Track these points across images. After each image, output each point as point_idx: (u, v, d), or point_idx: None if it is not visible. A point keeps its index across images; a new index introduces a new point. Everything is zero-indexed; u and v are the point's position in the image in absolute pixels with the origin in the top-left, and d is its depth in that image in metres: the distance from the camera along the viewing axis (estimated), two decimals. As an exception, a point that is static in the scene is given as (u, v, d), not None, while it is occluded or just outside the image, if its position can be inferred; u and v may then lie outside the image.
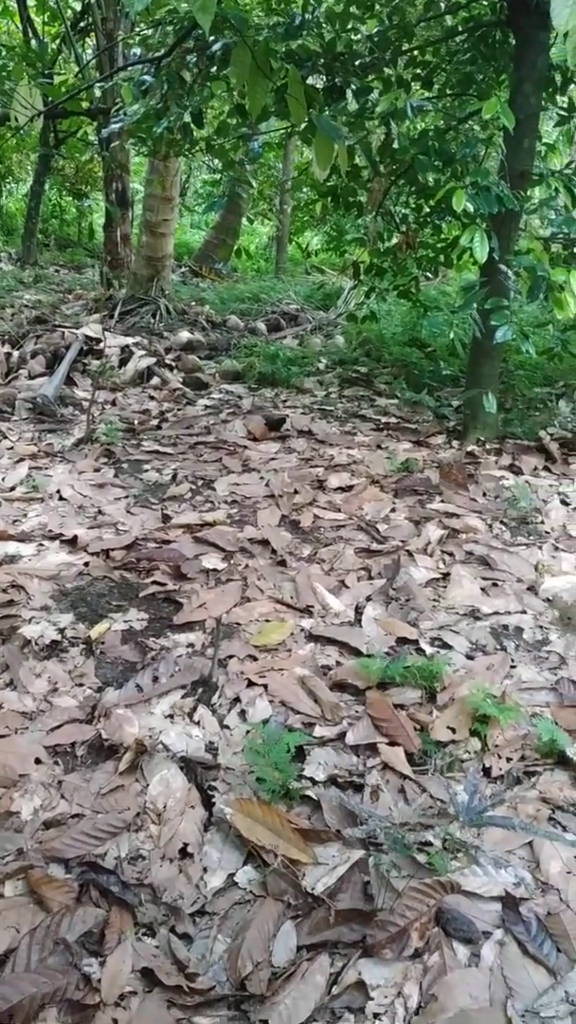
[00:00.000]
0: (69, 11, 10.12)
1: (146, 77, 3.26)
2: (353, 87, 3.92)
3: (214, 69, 3.57)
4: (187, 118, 3.69)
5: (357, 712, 2.20)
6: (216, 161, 5.14)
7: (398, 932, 1.53)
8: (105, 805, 1.87)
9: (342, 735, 2.10)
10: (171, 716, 2.17)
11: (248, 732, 2.10)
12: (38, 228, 11.81)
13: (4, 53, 7.58)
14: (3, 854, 1.72)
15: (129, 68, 3.62)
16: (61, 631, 2.51)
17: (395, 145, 4.10)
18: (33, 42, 9.35)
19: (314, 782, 1.94)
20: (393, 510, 3.55)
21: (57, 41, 10.30)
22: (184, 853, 1.75)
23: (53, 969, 1.48)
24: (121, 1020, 1.40)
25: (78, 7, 10.29)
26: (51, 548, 3.06)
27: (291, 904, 1.64)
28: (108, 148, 6.80)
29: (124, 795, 1.90)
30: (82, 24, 10.17)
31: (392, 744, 2.06)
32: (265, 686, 2.29)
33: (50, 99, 3.31)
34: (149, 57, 3.42)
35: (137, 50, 4.18)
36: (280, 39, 3.10)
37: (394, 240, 5.04)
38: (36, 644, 2.44)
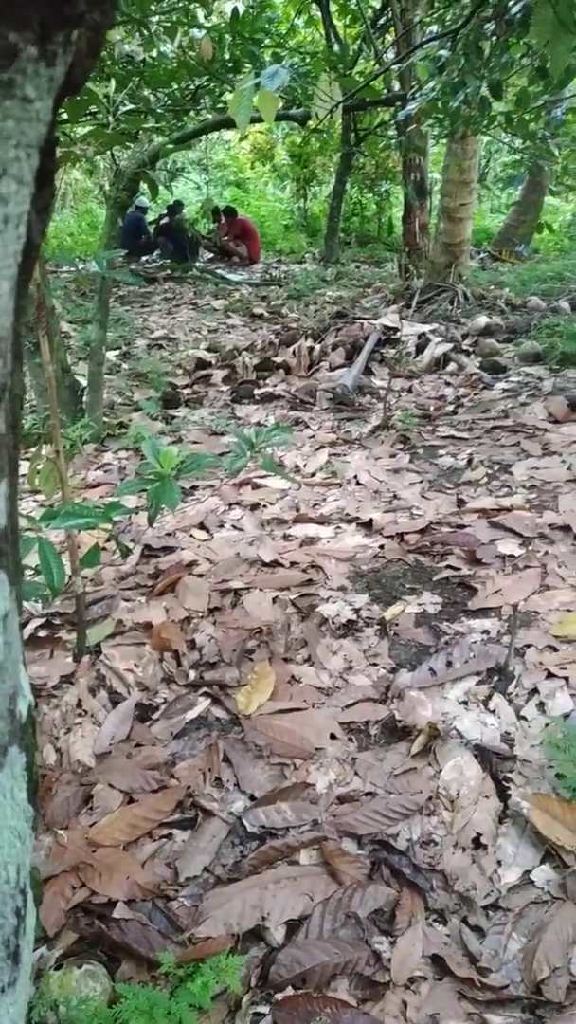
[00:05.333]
0: (369, 10, 10.31)
1: (442, 52, 3.19)
2: None
3: (513, 36, 3.41)
4: (485, 91, 3.56)
5: None
6: (516, 140, 4.92)
7: None
8: (398, 786, 1.85)
9: None
10: (465, 702, 2.10)
11: (547, 725, 1.97)
12: (340, 227, 12.18)
13: (308, 60, 7.94)
14: (300, 823, 1.77)
15: (425, 46, 3.58)
16: (357, 611, 2.54)
17: None
18: (336, 47, 9.73)
19: (622, 785, 1.78)
20: None
21: (357, 42, 10.56)
22: (477, 843, 1.68)
23: (344, 941, 1.49)
24: (411, 1003, 1.38)
25: (377, 4, 10.45)
26: (348, 531, 3.11)
27: (594, 913, 1.51)
28: (405, 132, 6.79)
29: (417, 778, 1.87)
30: (382, 21, 10.32)
31: None
32: (566, 679, 2.14)
33: (348, 89, 3.37)
34: (446, 31, 3.35)
35: (435, 28, 4.12)
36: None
37: None
38: (333, 623, 2.49)
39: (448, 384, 5.27)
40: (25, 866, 0.59)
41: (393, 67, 4.82)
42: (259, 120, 4.63)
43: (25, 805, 0.58)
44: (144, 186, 4.04)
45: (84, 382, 4.45)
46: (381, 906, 1.57)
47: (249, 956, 1.49)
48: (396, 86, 7.70)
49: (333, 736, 2.03)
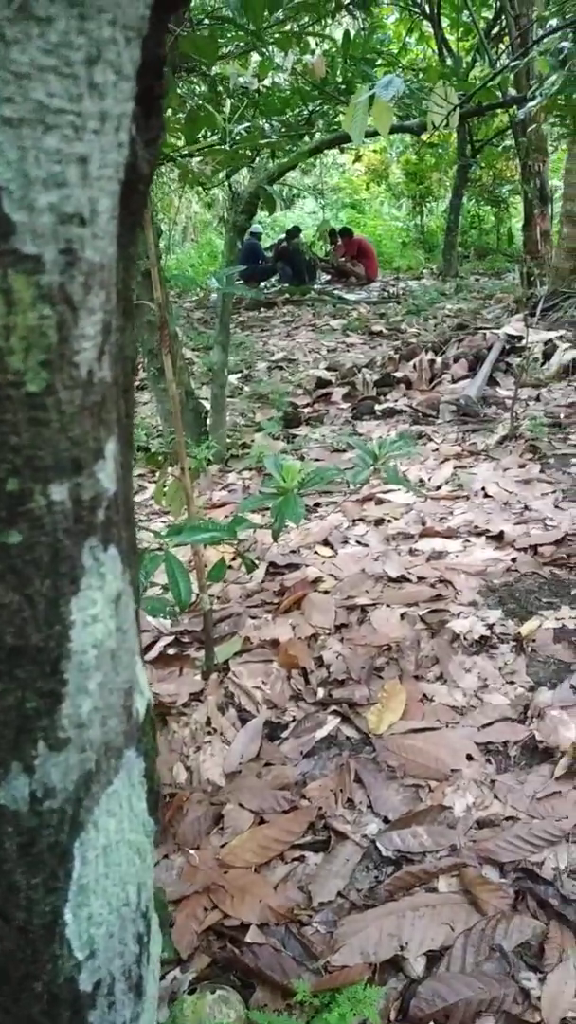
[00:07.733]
0: (482, 21, 10.16)
1: (564, 44, 3.07)
2: None
3: None
4: (610, 82, 3.41)
5: None
6: None
7: None
8: (541, 810, 1.74)
9: None
10: (612, 722, 1.96)
11: None
12: (457, 240, 12.03)
13: (420, 76, 7.90)
14: (437, 848, 1.68)
15: (545, 40, 3.46)
16: (490, 627, 2.43)
17: None
18: (448, 60, 9.63)
19: None
20: None
21: (471, 53, 10.43)
22: (633, 874, 1.55)
23: (489, 976, 1.40)
24: (565, 1048, 1.27)
25: (490, 15, 10.30)
26: (477, 544, 3.00)
27: None
28: (524, 133, 6.63)
29: (562, 802, 1.75)
30: (495, 30, 10.17)
31: None
32: None
33: (464, 94, 3.29)
34: (566, 23, 3.22)
35: (554, 22, 3.99)
36: None
37: None
38: (465, 639, 2.39)
39: (578, 391, 5.05)
40: (147, 886, 0.54)
41: (511, 64, 4.69)
42: (374, 134, 4.62)
43: (145, 817, 0.54)
44: (260, 213, 4.09)
45: (207, 406, 4.52)
46: (527, 939, 1.47)
47: (388, 987, 1.42)
48: (512, 93, 7.53)
49: (470, 757, 1.93)
